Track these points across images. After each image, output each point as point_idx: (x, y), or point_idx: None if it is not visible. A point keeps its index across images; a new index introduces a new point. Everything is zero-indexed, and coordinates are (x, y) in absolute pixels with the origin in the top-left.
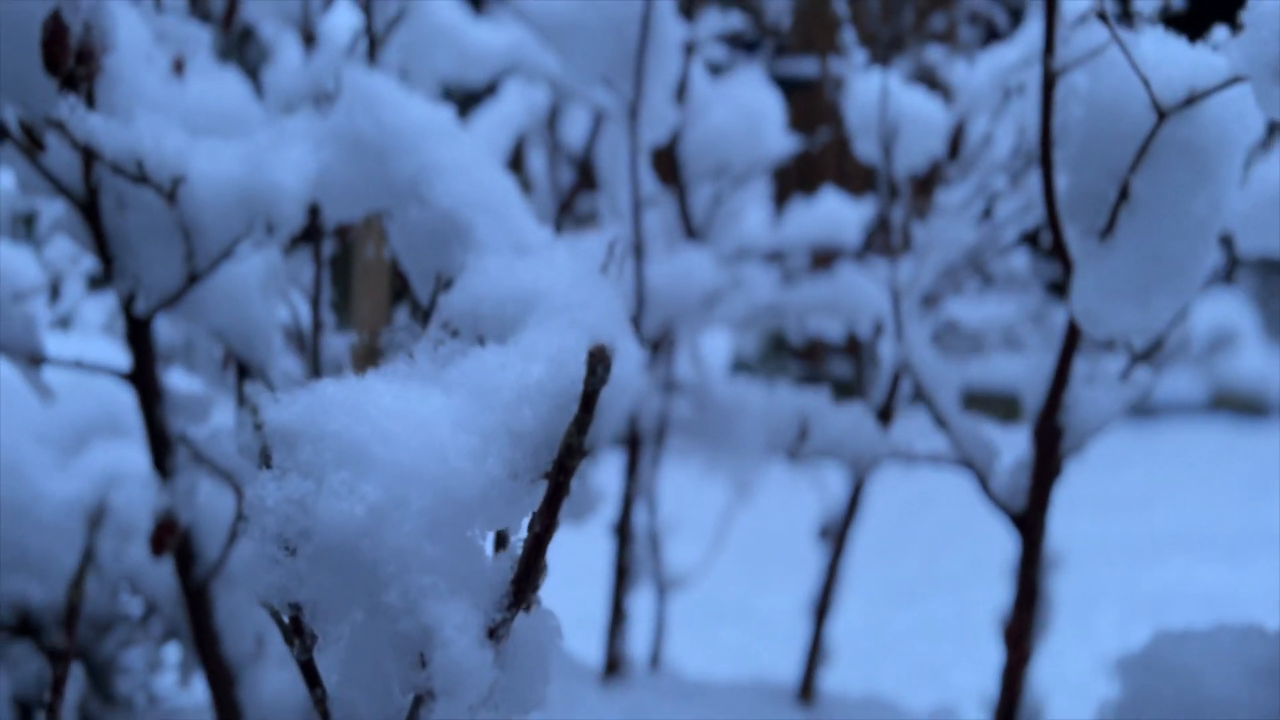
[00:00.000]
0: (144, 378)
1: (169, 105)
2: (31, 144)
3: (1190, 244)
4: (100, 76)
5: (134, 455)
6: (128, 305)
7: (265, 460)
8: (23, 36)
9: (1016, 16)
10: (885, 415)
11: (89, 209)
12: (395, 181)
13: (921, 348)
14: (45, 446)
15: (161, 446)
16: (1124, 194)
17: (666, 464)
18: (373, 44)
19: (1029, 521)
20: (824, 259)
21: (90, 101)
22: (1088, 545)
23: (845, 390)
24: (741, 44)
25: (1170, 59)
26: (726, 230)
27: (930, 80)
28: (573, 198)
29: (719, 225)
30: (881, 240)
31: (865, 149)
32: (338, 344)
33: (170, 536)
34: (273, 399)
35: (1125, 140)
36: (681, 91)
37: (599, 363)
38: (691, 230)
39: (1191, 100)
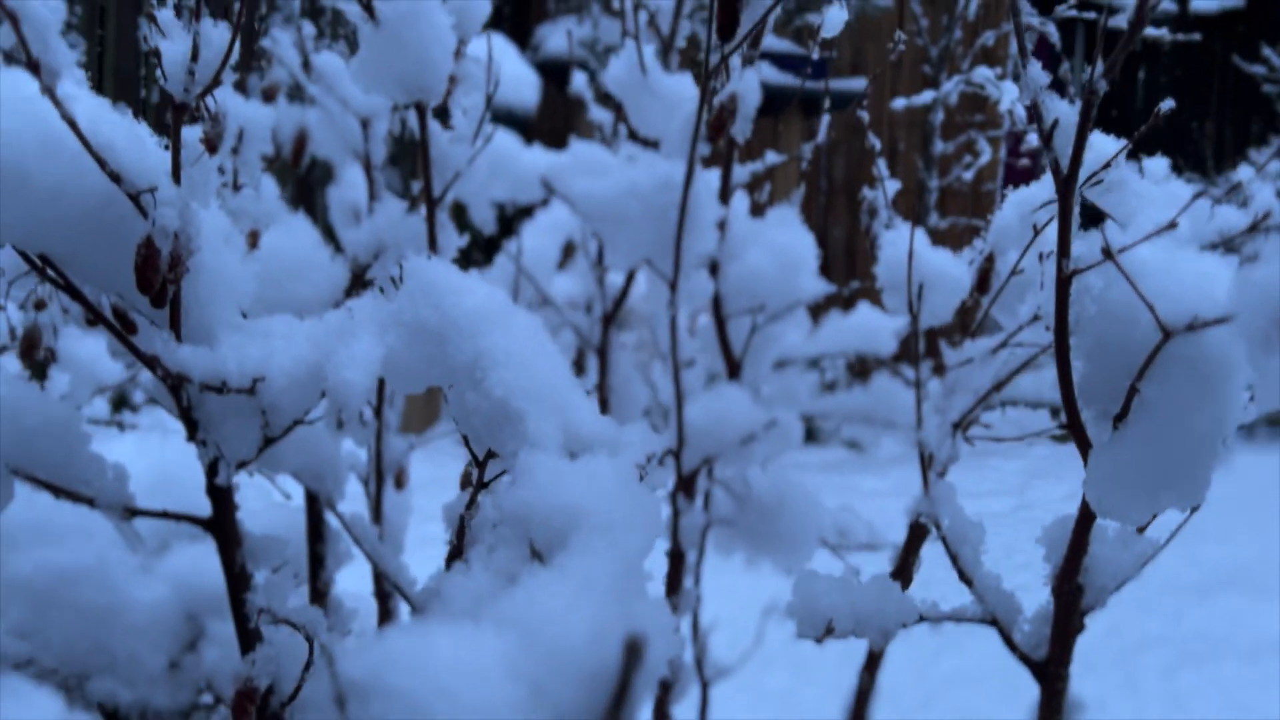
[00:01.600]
0: (223, 527)
1: (245, 282)
2: (125, 328)
3: (1195, 455)
4: (186, 275)
5: (211, 560)
6: (211, 471)
7: (341, 708)
8: (116, 240)
9: (1067, 30)
10: (906, 569)
11: (175, 393)
12: (454, 365)
13: (948, 501)
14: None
15: (240, 597)
16: (1134, 392)
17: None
18: (431, 205)
19: (1050, 672)
20: (862, 369)
21: (176, 309)
22: (1130, 584)
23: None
24: (793, 62)
25: (1177, 275)
26: (765, 354)
27: (978, 101)
28: (618, 308)
29: (757, 350)
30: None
31: (894, 304)
32: (399, 445)
33: (251, 704)
34: (346, 650)
35: (1136, 345)
36: (722, 228)
37: (634, 654)
38: (731, 359)
39: (1193, 327)
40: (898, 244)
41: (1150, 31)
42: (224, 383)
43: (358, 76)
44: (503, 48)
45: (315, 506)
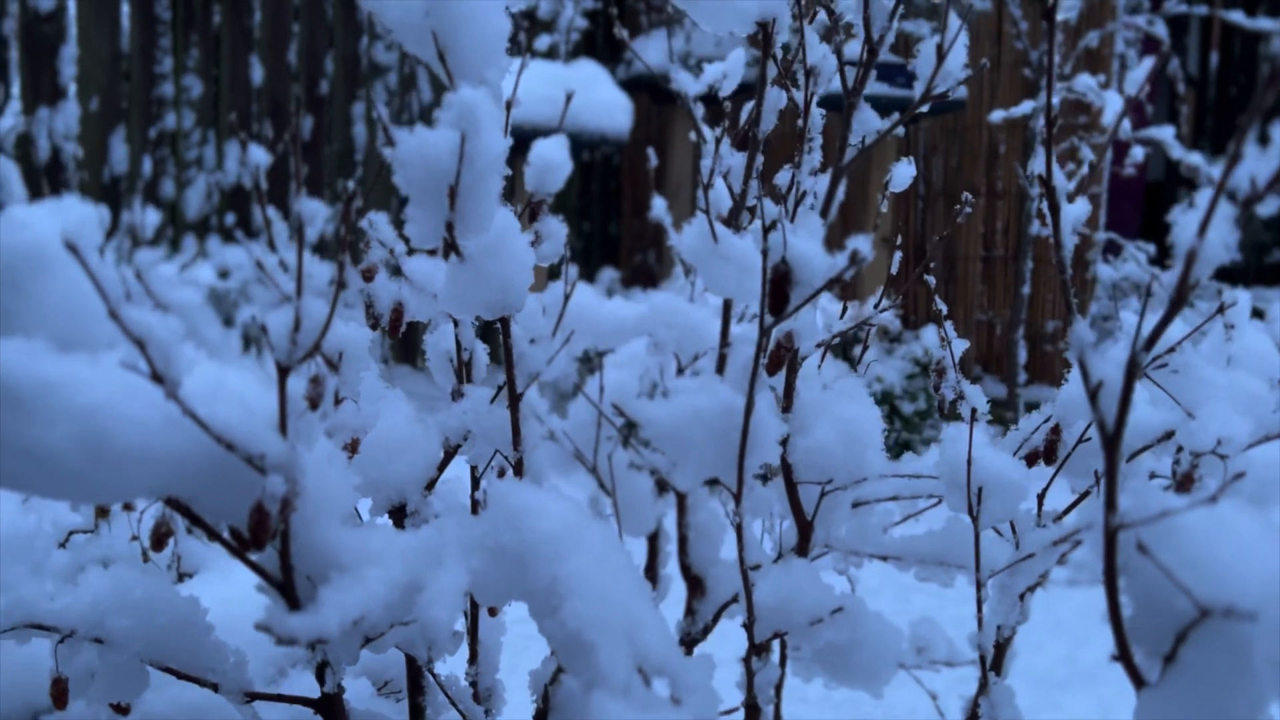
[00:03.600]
0: (331, 710)
1: (346, 495)
2: (242, 545)
3: None
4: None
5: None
6: (320, 673)
7: None
8: (233, 484)
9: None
10: None
11: (289, 601)
12: (532, 589)
13: (1007, 704)
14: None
15: None
16: (1177, 647)
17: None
18: (515, 400)
19: None
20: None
21: (286, 542)
22: None
23: None
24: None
25: (1219, 546)
26: (836, 513)
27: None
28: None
29: (828, 511)
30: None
31: (954, 503)
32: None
33: None
34: None
35: (1180, 609)
36: (789, 398)
37: None
38: (802, 520)
39: (1229, 614)
40: (958, 441)
41: None
42: (326, 638)
43: (446, 303)
44: (595, 74)
45: (415, 663)
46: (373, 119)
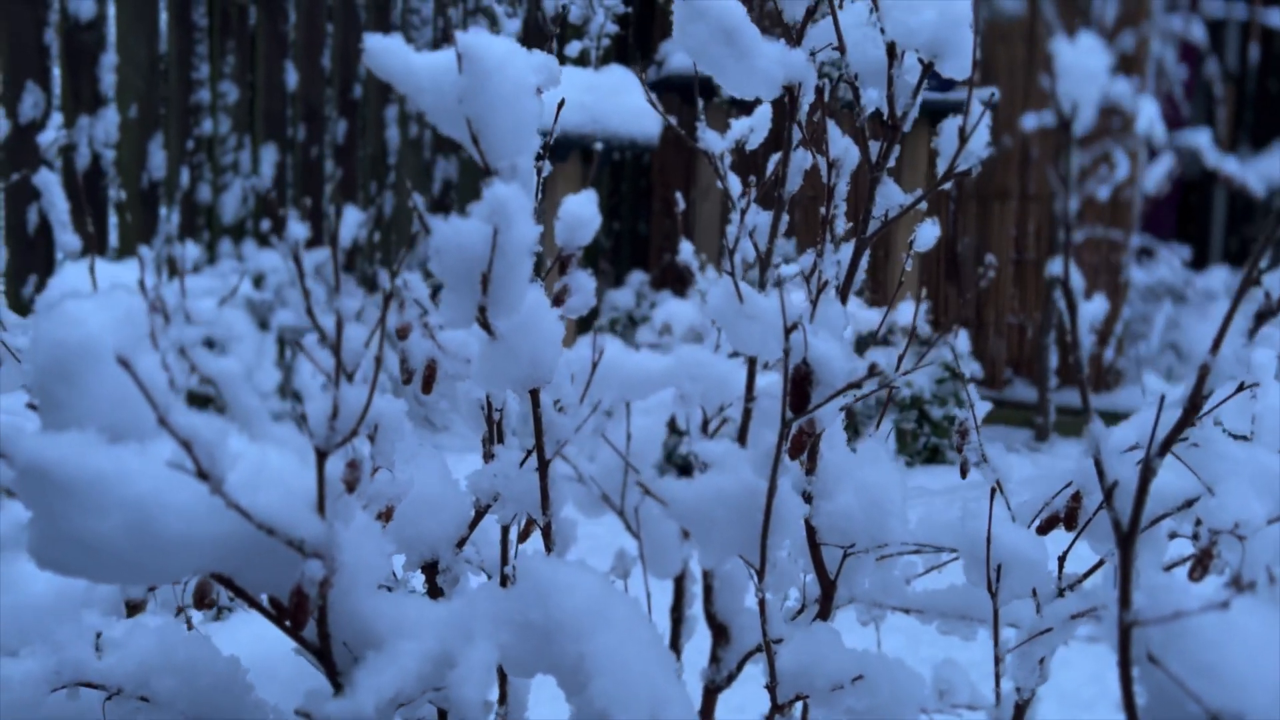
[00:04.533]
0: None
1: (381, 563)
2: (280, 615)
3: None
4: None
5: None
6: None
7: None
8: (273, 558)
9: (1216, 31)
10: None
11: (326, 667)
12: (559, 664)
13: None
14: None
15: None
16: None
17: None
18: (544, 466)
19: None
20: None
21: (324, 615)
22: None
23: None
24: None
25: (1232, 649)
26: (858, 574)
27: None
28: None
29: (851, 573)
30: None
31: (973, 579)
32: None
33: None
34: None
35: (1190, 711)
36: (812, 461)
37: None
38: (825, 580)
39: None
40: (979, 518)
41: None
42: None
43: (479, 379)
44: (625, 80)
45: (445, 714)
46: (406, 121)
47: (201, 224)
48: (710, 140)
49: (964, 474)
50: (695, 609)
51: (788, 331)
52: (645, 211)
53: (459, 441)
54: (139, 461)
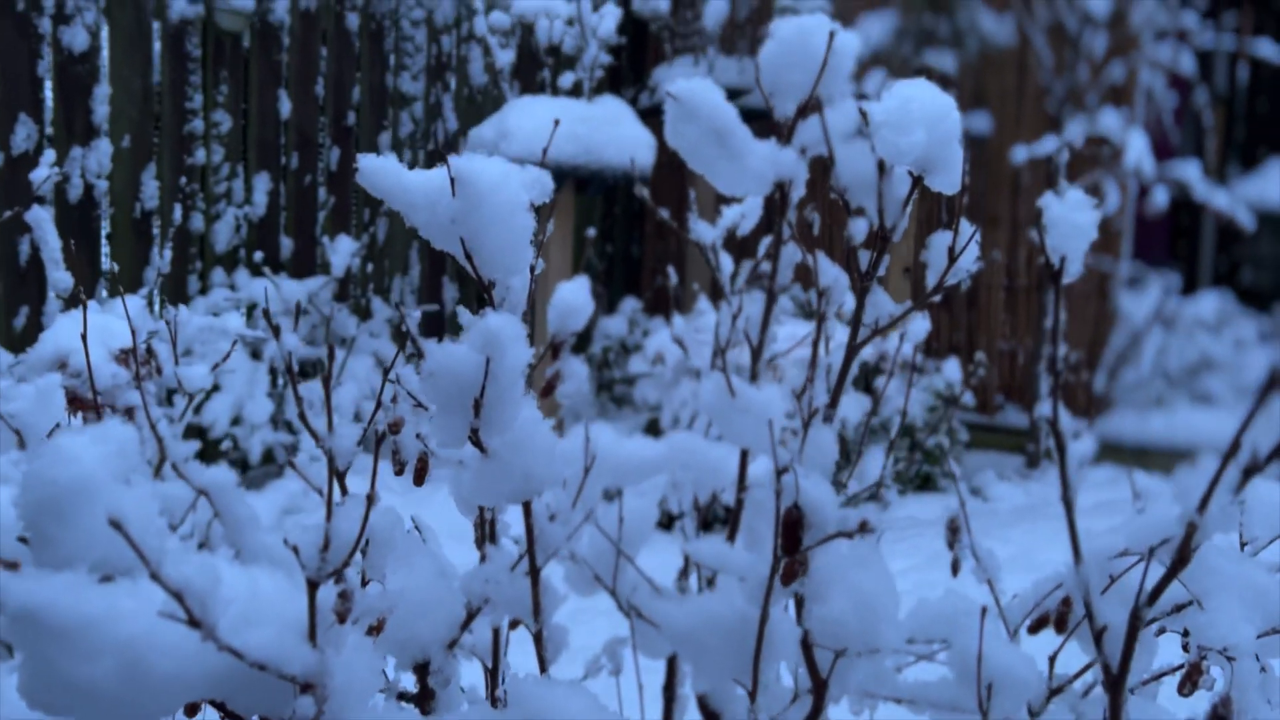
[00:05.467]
0: None
1: (373, 677)
2: None
3: None
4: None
5: None
6: None
7: None
8: (267, 687)
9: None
10: None
11: None
12: None
13: None
14: None
15: None
16: None
17: None
18: (535, 574)
19: None
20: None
21: None
22: None
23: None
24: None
25: None
26: (849, 675)
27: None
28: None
29: (843, 672)
30: None
31: (965, 698)
32: None
33: None
34: None
35: None
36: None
37: None
38: (818, 679)
39: None
40: (969, 632)
41: None
42: None
43: (471, 495)
44: (619, 111)
45: None
46: (399, 148)
47: (194, 253)
48: (701, 231)
49: (954, 571)
50: (687, 688)
51: (779, 473)
52: (638, 234)
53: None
54: (130, 601)
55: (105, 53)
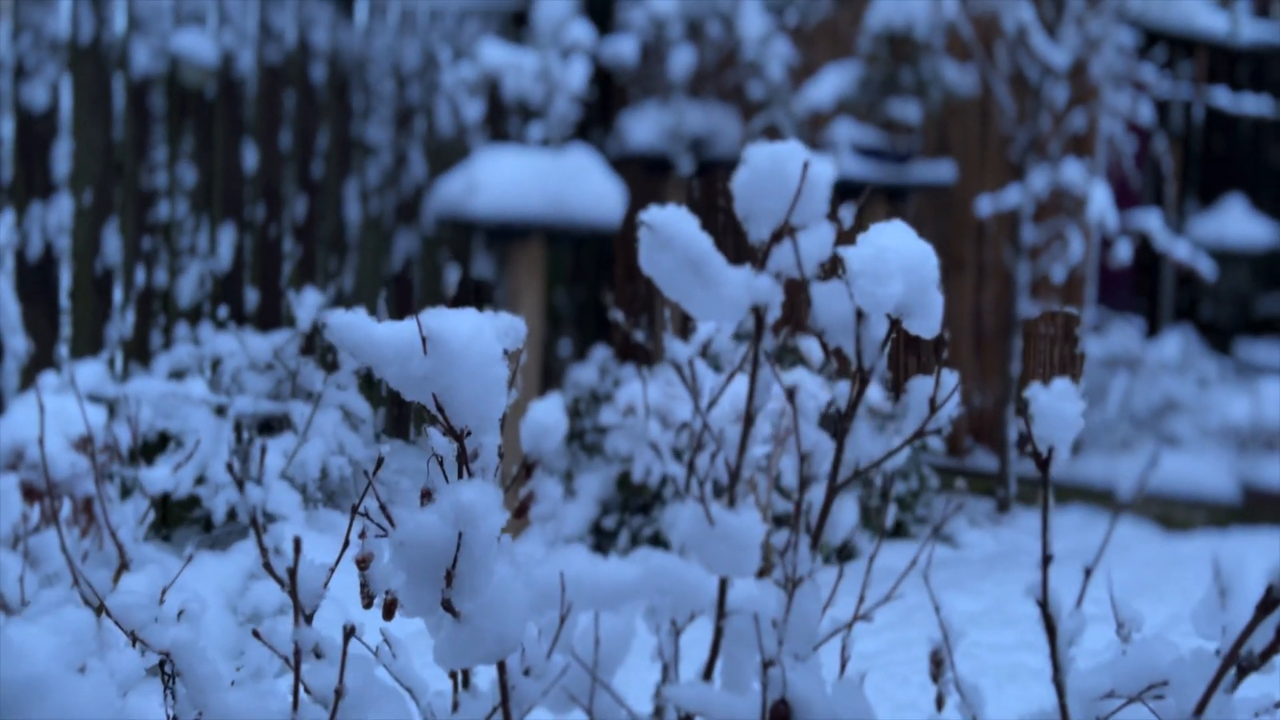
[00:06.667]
0: None
1: None
2: None
3: None
4: None
5: None
6: None
7: None
8: None
9: (1163, 110)
10: None
11: None
12: None
13: None
14: None
15: None
16: None
17: None
18: (507, 708)
19: None
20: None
21: None
22: None
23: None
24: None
25: None
26: None
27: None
28: None
29: None
30: None
31: None
32: None
33: None
34: None
35: None
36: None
37: None
38: None
39: None
40: None
41: None
42: None
43: (441, 658)
44: (587, 163)
45: None
46: (366, 198)
47: (158, 307)
48: (676, 350)
49: (939, 706)
50: None
51: (765, 665)
52: (608, 277)
53: None
54: None
55: (67, 109)
